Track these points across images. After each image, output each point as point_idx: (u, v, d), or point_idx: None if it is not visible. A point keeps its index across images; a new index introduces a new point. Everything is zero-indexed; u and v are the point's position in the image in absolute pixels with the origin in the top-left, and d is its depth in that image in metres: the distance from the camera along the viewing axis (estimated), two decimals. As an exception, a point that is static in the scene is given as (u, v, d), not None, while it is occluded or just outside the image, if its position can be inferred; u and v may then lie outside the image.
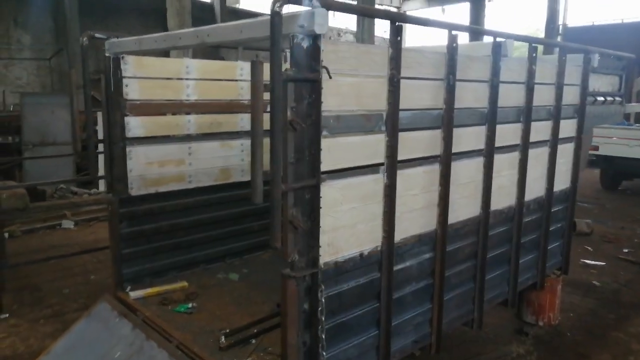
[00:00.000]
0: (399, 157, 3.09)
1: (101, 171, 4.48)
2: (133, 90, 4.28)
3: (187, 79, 4.59)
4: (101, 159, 4.45)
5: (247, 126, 5.03)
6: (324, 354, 2.72)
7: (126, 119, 4.26)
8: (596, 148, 11.49)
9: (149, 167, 4.48)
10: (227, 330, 3.65)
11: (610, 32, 18.23)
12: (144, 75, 4.34)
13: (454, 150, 3.49)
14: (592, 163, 14.57)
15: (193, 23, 12.11)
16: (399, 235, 3.19)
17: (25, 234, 8.03)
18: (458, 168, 3.59)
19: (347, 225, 2.88)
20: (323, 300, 2.69)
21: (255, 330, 3.70)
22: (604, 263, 7.04)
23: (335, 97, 2.69)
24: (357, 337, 3.05)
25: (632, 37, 17.05)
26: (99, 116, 4.92)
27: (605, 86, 5.91)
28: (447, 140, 3.44)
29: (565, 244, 5.24)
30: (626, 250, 7.66)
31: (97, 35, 4.12)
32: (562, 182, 4.96)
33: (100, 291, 4.46)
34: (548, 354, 4.48)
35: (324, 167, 2.63)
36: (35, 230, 8.18)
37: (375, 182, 3.02)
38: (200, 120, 4.79)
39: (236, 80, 4.98)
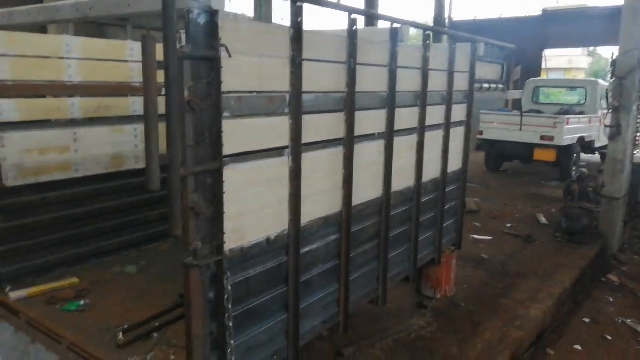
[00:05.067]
0: (304, 140, 3.06)
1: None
2: (3, 70, 3.82)
3: (68, 58, 4.17)
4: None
5: (140, 110, 4.72)
6: (232, 342, 2.63)
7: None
8: (481, 133, 12.40)
9: (28, 155, 4.04)
10: (126, 326, 3.43)
11: (491, 26, 19.71)
12: (16, 53, 3.87)
13: (356, 133, 3.53)
14: (477, 147, 15.77)
15: (76, -1, 11.10)
16: (305, 218, 3.17)
17: None
18: (361, 151, 3.64)
19: (252, 210, 2.79)
20: (229, 288, 2.59)
21: (156, 324, 3.51)
22: (491, 237, 7.64)
23: (236, 77, 2.57)
24: (266, 323, 2.99)
25: (510, 31, 18.58)
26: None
27: (490, 74, 6.37)
28: (350, 123, 3.47)
29: (459, 221, 5.59)
30: (509, 225, 8.38)
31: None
32: (455, 163, 5.26)
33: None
34: (446, 324, 4.76)
35: (226, 150, 2.52)
36: None
37: (281, 166, 2.96)
38: (86, 104, 4.41)
39: (126, 61, 4.63)
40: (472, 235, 7.60)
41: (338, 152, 3.45)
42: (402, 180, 4.30)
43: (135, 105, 4.73)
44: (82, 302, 3.81)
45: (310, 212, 3.25)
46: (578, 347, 4.89)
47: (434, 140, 4.75)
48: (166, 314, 3.65)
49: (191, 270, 2.47)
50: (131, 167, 4.75)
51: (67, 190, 4.34)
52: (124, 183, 4.79)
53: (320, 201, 3.35)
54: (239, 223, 2.70)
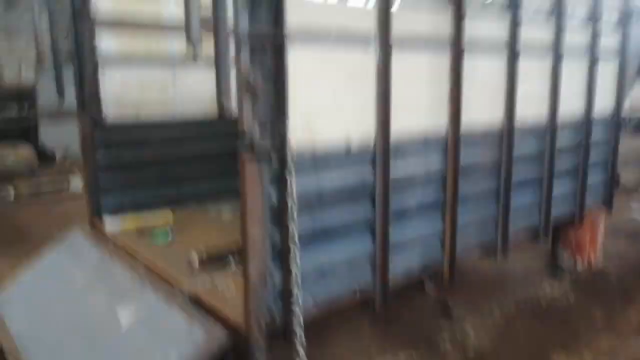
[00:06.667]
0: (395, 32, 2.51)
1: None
2: (104, 3, 3.83)
3: (168, -8, 4.10)
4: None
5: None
6: (297, 257, 2.19)
7: (97, 36, 3.81)
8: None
9: (127, 92, 4.04)
10: (203, 251, 3.18)
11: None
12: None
13: (468, 38, 2.88)
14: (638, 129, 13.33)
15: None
16: (398, 130, 2.62)
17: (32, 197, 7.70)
18: (474, 62, 2.97)
19: (327, 107, 2.34)
20: (294, 192, 2.15)
21: (235, 249, 3.19)
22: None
23: None
24: (345, 247, 2.50)
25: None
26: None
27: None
28: (457, 25, 2.82)
29: (609, 178, 4.52)
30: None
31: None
32: (602, 104, 4.24)
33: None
34: (589, 295, 3.82)
35: (291, 17, 2.08)
36: (42, 196, 7.83)
37: (364, 59, 2.45)
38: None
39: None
40: (629, 214, 6.24)
41: (441, 60, 2.82)
42: (530, 110, 3.50)
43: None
44: (170, 235, 3.69)
45: (405, 124, 2.68)
46: None
47: (573, 70, 3.84)
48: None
49: (247, 162, 2.08)
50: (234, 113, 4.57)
51: (167, 130, 4.29)
52: (226, 129, 4.62)
53: (418, 112, 2.77)
54: (309, 117, 2.26)
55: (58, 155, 9.79)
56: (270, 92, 2.08)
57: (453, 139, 2.93)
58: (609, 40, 4.16)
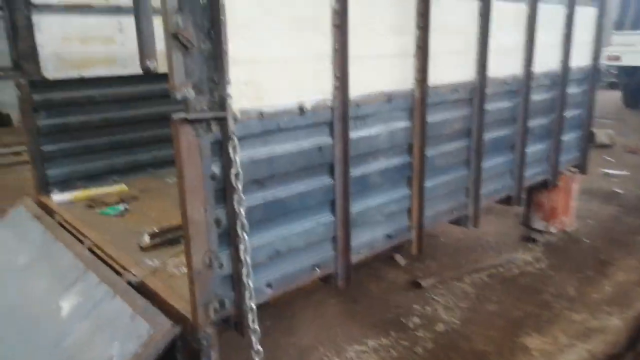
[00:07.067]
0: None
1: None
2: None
3: None
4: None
5: None
6: (245, 236, 1.95)
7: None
8: (618, 58, 10.31)
9: (67, 45, 3.64)
10: (155, 230, 2.93)
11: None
12: None
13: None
14: (612, 85, 13.40)
15: None
16: (359, 89, 2.35)
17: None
18: (441, 6, 2.69)
19: (274, 58, 2.04)
20: (237, 159, 1.89)
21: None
22: (627, 172, 6.17)
23: None
24: (302, 222, 2.28)
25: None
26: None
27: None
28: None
29: (584, 136, 4.37)
30: (653, 161, 6.78)
31: None
32: (581, 56, 4.02)
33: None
34: (561, 261, 3.71)
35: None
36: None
37: (317, 1, 2.15)
38: (133, -10, 3.89)
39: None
40: (602, 170, 6.19)
41: (406, 3, 2.53)
42: (504, 63, 3.26)
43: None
44: (122, 207, 3.41)
45: (367, 82, 2.42)
46: None
47: (550, 18, 3.59)
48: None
49: (181, 127, 1.81)
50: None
51: (115, 89, 3.93)
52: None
53: (382, 68, 2.49)
54: (254, 73, 1.97)
55: (14, 117, 9.26)
56: (205, 42, 1.78)
57: (420, 97, 2.68)
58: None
